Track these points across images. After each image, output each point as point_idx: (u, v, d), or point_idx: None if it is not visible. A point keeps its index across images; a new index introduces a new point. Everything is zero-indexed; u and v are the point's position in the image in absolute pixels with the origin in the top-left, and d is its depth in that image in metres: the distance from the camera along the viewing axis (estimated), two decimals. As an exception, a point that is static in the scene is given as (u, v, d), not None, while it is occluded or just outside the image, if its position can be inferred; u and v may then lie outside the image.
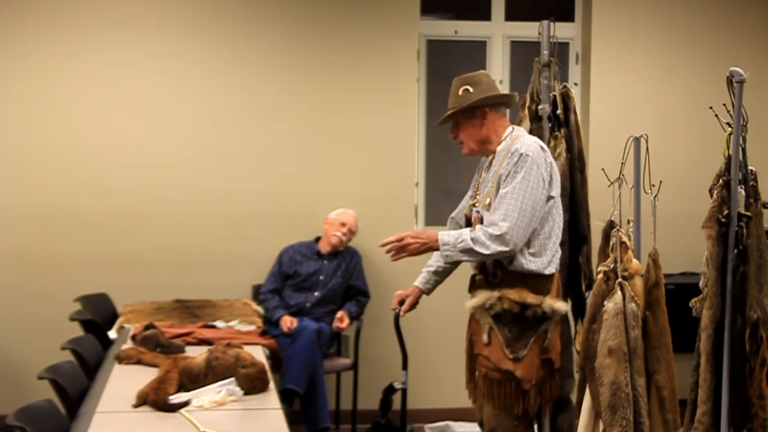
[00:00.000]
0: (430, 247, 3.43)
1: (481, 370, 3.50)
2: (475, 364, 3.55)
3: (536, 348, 3.42)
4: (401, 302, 3.77)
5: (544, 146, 3.49)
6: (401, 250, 3.42)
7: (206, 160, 5.44)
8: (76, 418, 3.20)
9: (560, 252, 3.52)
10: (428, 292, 3.79)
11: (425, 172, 5.77)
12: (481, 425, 3.63)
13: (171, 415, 3.11)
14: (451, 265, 3.75)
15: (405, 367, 3.90)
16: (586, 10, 5.74)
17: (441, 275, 3.78)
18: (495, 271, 3.44)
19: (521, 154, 3.36)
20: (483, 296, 3.43)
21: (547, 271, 3.43)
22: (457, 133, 3.55)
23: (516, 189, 3.32)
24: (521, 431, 3.48)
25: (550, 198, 3.42)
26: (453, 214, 3.78)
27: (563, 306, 3.47)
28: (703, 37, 5.76)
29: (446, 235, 3.39)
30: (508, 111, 5.47)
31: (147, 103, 5.39)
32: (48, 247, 5.31)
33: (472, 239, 3.32)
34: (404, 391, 3.93)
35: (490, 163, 3.52)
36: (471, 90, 3.48)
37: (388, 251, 3.43)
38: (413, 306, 3.78)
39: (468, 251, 3.33)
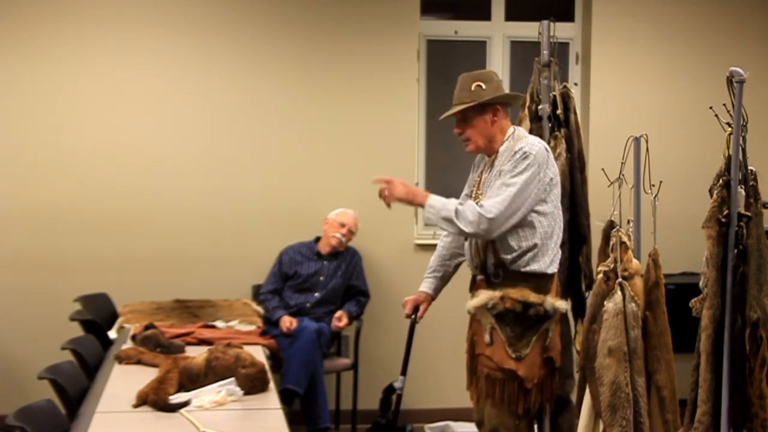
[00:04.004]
0: (411, 202, 3.43)
1: (482, 370, 3.51)
2: (477, 365, 3.56)
3: (538, 347, 3.43)
4: (416, 309, 3.77)
5: (548, 147, 3.51)
6: (389, 192, 3.41)
7: (206, 160, 5.44)
8: (76, 418, 3.20)
9: (560, 252, 3.53)
10: (435, 297, 3.81)
11: (425, 172, 5.77)
12: (479, 425, 3.63)
13: (171, 415, 3.10)
14: (454, 269, 3.81)
15: (404, 372, 3.91)
16: (586, 10, 5.74)
17: (446, 280, 3.83)
18: (497, 271, 3.45)
19: (525, 152, 3.37)
20: (485, 296, 3.44)
21: (549, 271, 3.45)
22: (464, 128, 3.52)
23: (515, 183, 3.34)
24: (522, 430, 3.49)
25: (549, 198, 3.43)
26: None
27: (563, 304, 3.51)
28: (703, 37, 5.76)
29: (436, 200, 3.38)
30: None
31: (147, 103, 5.39)
32: (48, 247, 5.31)
33: (456, 212, 3.32)
34: (399, 396, 3.94)
35: (492, 164, 3.52)
36: (484, 86, 3.47)
37: (380, 187, 3.43)
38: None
39: (448, 221, 3.34)
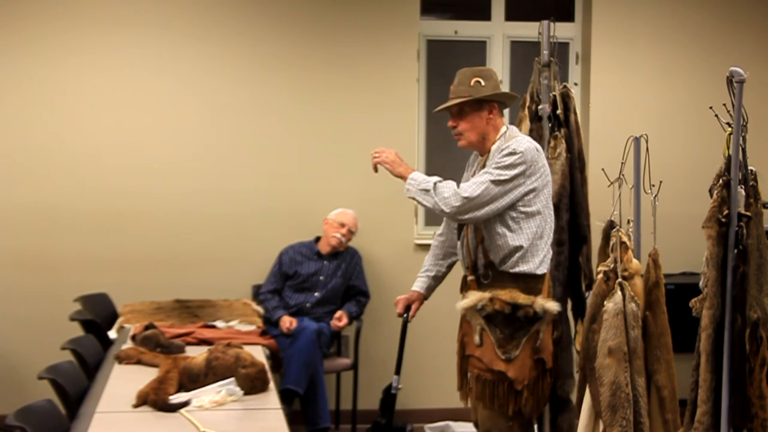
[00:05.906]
0: (393, 170, 3.51)
1: (473, 371, 3.51)
2: (467, 366, 3.55)
3: (528, 348, 3.42)
4: (407, 308, 3.79)
5: (539, 148, 3.50)
6: (379, 155, 3.54)
7: (206, 160, 5.44)
8: (76, 418, 3.20)
9: (551, 252, 3.52)
10: (428, 296, 3.83)
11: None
12: (477, 426, 3.63)
13: (171, 415, 3.11)
14: (447, 269, 3.82)
15: (398, 371, 3.93)
16: (586, 10, 5.74)
17: (439, 280, 3.84)
18: (486, 271, 3.45)
19: (513, 149, 3.38)
20: (474, 297, 3.43)
21: (538, 272, 3.43)
22: (458, 122, 3.53)
23: (497, 173, 3.35)
24: (516, 431, 3.49)
25: (539, 199, 3.43)
26: None
27: (554, 306, 3.47)
28: (703, 37, 5.76)
29: (420, 174, 3.46)
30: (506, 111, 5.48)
31: (147, 103, 5.39)
32: (48, 247, 5.31)
33: (435, 185, 3.37)
34: (393, 396, 3.96)
35: (484, 164, 3.51)
36: (483, 83, 3.48)
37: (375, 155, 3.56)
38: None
39: (425, 192, 3.39)
